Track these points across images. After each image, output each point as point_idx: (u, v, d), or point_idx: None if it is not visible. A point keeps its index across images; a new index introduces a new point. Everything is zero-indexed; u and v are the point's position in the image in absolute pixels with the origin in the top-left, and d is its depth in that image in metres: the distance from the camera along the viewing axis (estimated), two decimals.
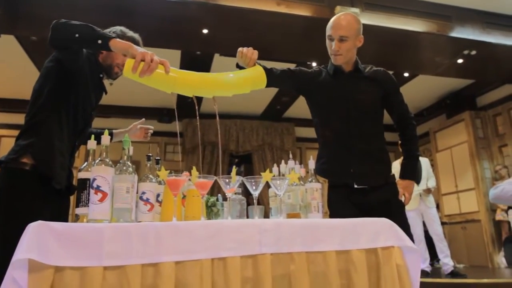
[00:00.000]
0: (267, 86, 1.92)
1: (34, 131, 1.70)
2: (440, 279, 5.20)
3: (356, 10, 4.46)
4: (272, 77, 1.93)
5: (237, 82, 1.75)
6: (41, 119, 1.72)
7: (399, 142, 2.18)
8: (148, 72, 1.45)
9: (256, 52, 1.86)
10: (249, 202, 1.73)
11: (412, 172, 2.13)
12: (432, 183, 5.40)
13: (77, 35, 1.55)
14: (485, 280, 4.87)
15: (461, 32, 5.09)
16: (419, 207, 5.30)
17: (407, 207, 5.40)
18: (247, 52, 1.83)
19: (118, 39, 1.54)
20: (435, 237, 5.29)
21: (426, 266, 5.29)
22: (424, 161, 5.47)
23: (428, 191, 5.30)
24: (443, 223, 7.61)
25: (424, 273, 5.16)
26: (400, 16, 4.81)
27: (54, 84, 1.76)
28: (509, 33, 5.23)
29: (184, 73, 1.62)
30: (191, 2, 4.16)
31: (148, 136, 2.28)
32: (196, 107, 1.69)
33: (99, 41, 1.52)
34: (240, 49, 1.86)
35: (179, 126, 8.05)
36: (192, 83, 1.62)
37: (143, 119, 2.33)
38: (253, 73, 1.82)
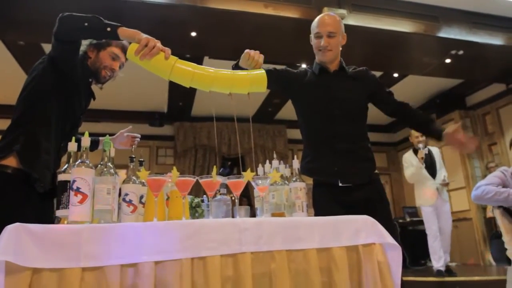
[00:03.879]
0: None
1: (20, 128, 1.71)
2: (432, 277, 5.23)
3: (343, 11, 4.49)
4: None
5: (237, 79, 1.73)
6: (28, 118, 1.73)
7: (410, 124, 2.24)
8: (149, 56, 1.55)
9: (262, 56, 1.86)
10: (241, 203, 1.73)
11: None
12: (445, 175, 5.15)
13: (86, 24, 1.61)
14: (476, 278, 4.91)
15: (448, 32, 5.14)
16: (436, 202, 4.99)
17: (424, 202, 5.06)
18: (254, 55, 1.83)
19: (125, 28, 1.61)
20: (446, 234, 5.02)
21: (441, 265, 4.94)
22: (436, 151, 5.25)
23: (446, 184, 5.03)
24: None
25: (439, 273, 4.90)
26: (387, 17, 4.86)
27: (44, 84, 1.77)
28: (495, 33, 5.30)
29: (184, 63, 1.64)
30: (179, 5, 4.17)
31: (135, 144, 2.27)
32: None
33: (108, 29, 1.60)
34: (247, 51, 1.86)
35: (171, 129, 8.05)
36: (188, 73, 1.63)
37: (130, 126, 2.33)
38: (254, 74, 1.80)
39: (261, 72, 1.81)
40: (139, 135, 2.30)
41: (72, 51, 1.77)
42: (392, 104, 2.17)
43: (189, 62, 1.66)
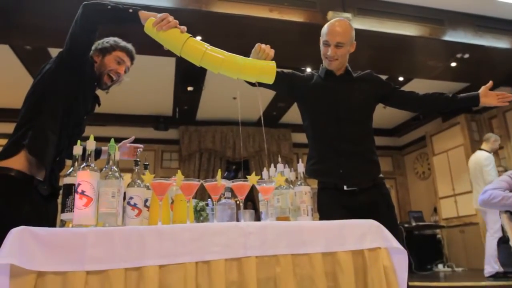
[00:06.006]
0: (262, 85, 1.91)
1: (27, 124, 1.74)
2: (439, 282, 5.19)
3: (348, 15, 4.49)
4: None
5: (247, 66, 1.73)
6: (35, 113, 1.76)
7: (442, 107, 2.18)
8: (165, 27, 1.61)
9: (273, 50, 1.86)
10: (246, 207, 1.72)
11: None
12: None
13: (109, 7, 1.70)
14: (483, 283, 4.85)
15: (453, 36, 5.12)
16: None
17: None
18: (266, 48, 1.83)
19: (143, 11, 1.69)
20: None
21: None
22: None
23: None
24: (440, 227, 7.60)
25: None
26: (392, 21, 4.85)
27: (52, 81, 1.80)
28: (501, 36, 5.27)
29: (197, 42, 1.66)
30: (184, 10, 4.19)
31: (137, 154, 2.27)
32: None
33: (130, 10, 1.69)
34: (258, 44, 1.86)
35: (176, 133, 8.07)
36: (199, 51, 1.63)
37: (133, 137, 2.33)
38: (265, 63, 1.80)
39: (272, 62, 1.81)
40: (142, 146, 2.30)
41: (88, 42, 1.81)
42: (414, 96, 2.14)
43: (203, 42, 1.67)
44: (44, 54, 5.14)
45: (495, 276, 4.97)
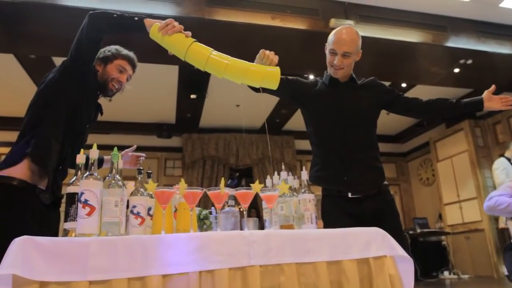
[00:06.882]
0: (266, 91, 1.91)
1: (31, 132, 1.74)
2: None
3: (350, 22, 4.50)
4: None
5: (251, 71, 1.72)
6: (38, 120, 1.76)
7: (447, 113, 2.14)
8: (170, 32, 1.62)
9: (277, 57, 1.85)
10: (250, 214, 1.71)
11: None
12: None
13: (115, 15, 1.71)
14: None
15: (456, 42, 5.13)
16: None
17: None
18: (270, 54, 1.83)
19: (149, 19, 1.71)
20: None
21: None
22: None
23: None
24: (446, 233, 7.54)
25: None
26: (395, 27, 4.86)
27: (55, 90, 1.81)
28: (503, 42, 5.27)
29: (201, 46, 1.67)
30: (187, 18, 4.21)
31: (139, 163, 2.26)
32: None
33: (136, 18, 1.70)
34: (262, 50, 1.85)
35: (179, 141, 8.08)
36: (203, 56, 1.63)
37: (135, 145, 2.32)
38: (269, 68, 1.78)
39: (276, 68, 1.80)
40: (144, 155, 2.29)
41: (93, 51, 1.82)
42: (417, 103, 2.12)
43: (208, 47, 1.67)
44: (48, 63, 5.18)
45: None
